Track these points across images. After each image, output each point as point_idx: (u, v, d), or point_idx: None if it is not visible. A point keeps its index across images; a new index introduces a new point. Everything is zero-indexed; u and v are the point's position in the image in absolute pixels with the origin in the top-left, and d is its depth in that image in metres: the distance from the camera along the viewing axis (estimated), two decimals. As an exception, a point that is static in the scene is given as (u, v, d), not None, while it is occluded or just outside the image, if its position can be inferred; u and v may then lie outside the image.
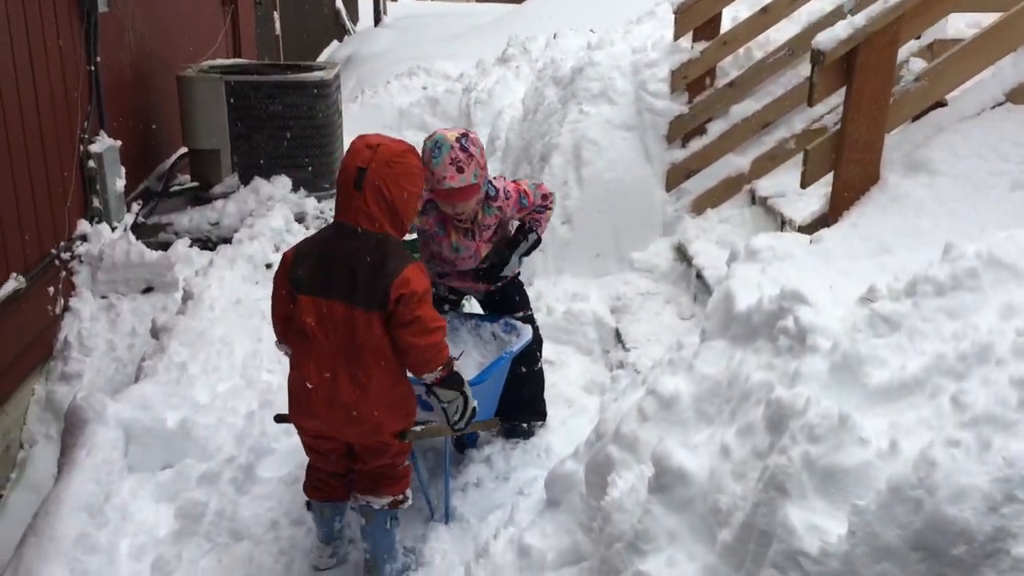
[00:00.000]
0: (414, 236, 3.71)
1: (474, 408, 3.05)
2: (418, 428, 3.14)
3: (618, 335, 4.87)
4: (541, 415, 4.13)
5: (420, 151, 3.13)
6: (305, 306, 2.87)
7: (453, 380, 2.98)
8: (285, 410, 3.11)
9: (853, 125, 3.32)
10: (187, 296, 5.07)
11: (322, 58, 15.24)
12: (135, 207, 6.80)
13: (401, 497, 3.14)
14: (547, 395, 4.51)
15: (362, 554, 3.26)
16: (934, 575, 1.95)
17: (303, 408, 2.96)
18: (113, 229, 6.16)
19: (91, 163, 5.98)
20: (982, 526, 1.87)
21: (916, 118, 3.62)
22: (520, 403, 4.00)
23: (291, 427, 3.31)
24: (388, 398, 2.91)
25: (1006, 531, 1.85)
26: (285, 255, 2.98)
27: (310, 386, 2.89)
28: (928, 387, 2.26)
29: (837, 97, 3.51)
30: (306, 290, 2.88)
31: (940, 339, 2.37)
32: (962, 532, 1.89)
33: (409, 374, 3.01)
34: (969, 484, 1.91)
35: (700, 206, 5.45)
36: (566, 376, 4.70)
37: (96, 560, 3.07)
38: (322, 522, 3.23)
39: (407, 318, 2.80)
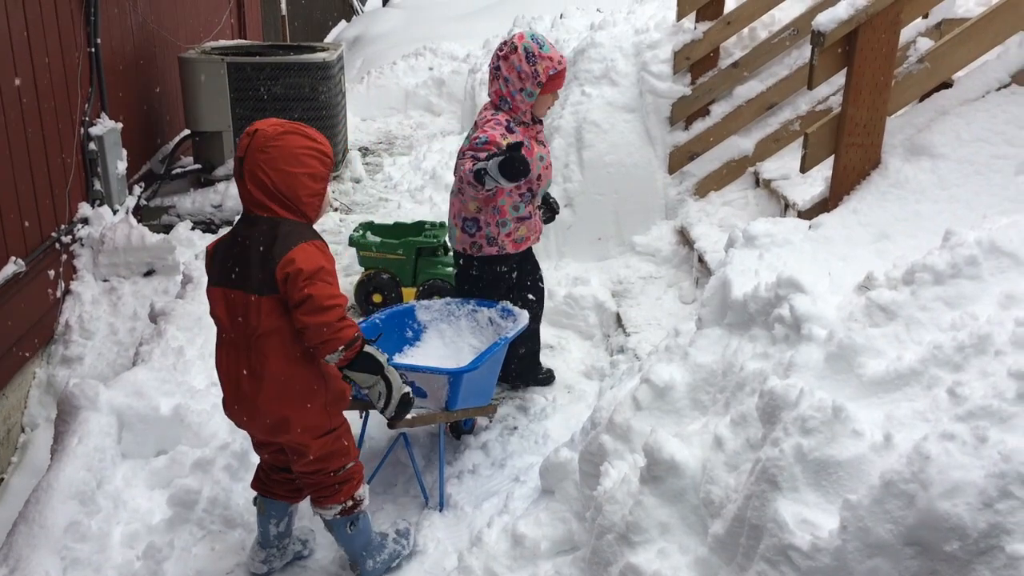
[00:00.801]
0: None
1: (406, 394, 2.86)
2: (409, 417, 3.10)
3: (619, 319, 4.83)
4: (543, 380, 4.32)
5: (522, 47, 3.74)
6: (213, 297, 2.80)
7: (364, 362, 2.77)
8: None
9: (854, 108, 3.25)
10: (186, 280, 5.05)
11: (329, 39, 15.17)
12: (137, 190, 6.78)
13: (351, 503, 2.97)
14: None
15: (325, 561, 3.20)
16: (927, 571, 1.91)
17: (225, 403, 2.90)
18: (115, 212, 6.14)
19: (92, 146, 5.96)
20: (976, 522, 1.83)
21: (920, 100, 3.55)
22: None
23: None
24: (288, 390, 2.75)
25: (1001, 527, 1.81)
26: (207, 248, 2.90)
27: (223, 380, 2.84)
28: (925, 378, 2.22)
29: (842, 77, 3.43)
30: (214, 281, 2.80)
31: (938, 329, 2.33)
32: (955, 528, 1.85)
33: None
34: (963, 479, 1.87)
35: (703, 189, 5.39)
36: (566, 361, 4.66)
37: (87, 548, 3.06)
38: (260, 520, 3.10)
39: (297, 297, 2.65)
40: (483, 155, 3.65)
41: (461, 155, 3.82)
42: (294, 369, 2.76)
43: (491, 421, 3.96)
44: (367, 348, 2.78)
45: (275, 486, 3.07)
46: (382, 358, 2.81)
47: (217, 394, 3.93)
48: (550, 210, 4.28)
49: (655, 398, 2.85)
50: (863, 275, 2.62)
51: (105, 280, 5.61)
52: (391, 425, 3.15)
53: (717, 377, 2.79)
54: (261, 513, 3.09)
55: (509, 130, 3.82)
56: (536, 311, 4.28)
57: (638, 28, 5.88)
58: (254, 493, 3.45)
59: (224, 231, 5.90)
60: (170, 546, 3.20)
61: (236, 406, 2.85)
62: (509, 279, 4.14)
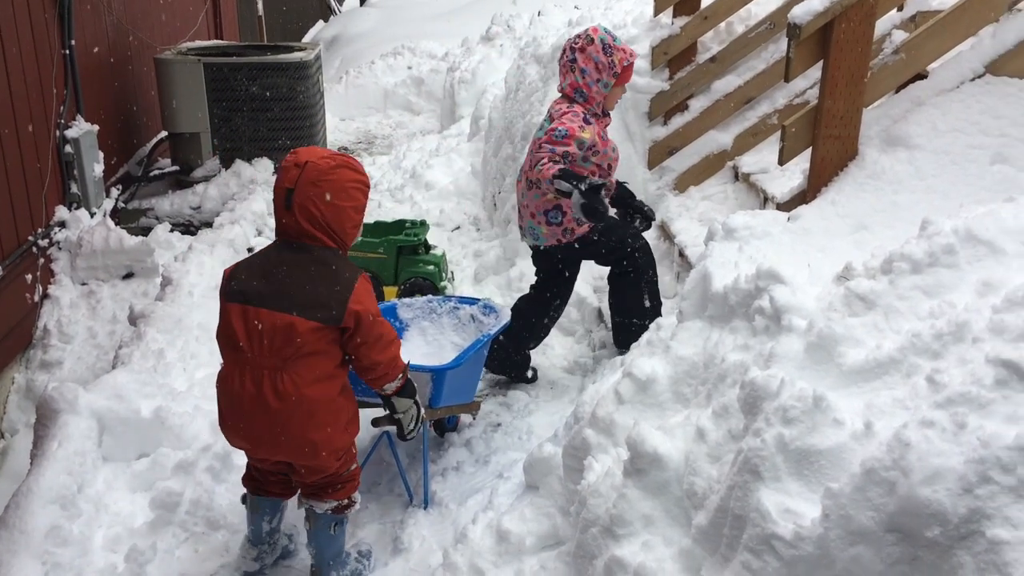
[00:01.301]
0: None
1: (423, 419, 3.08)
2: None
3: (601, 314, 4.83)
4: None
5: (599, 39, 3.80)
6: (233, 314, 2.77)
7: (409, 388, 2.98)
8: None
9: (830, 100, 3.27)
10: (165, 282, 5.02)
11: (307, 39, 15.11)
12: (114, 192, 6.73)
13: (346, 502, 3.01)
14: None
15: (308, 560, 3.17)
16: (908, 558, 1.93)
17: (228, 424, 2.87)
18: (92, 215, 6.10)
19: (68, 148, 5.92)
20: (956, 508, 1.85)
21: (896, 91, 3.57)
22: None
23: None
24: (319, 411, 2.77)
25: (981, 512, 1.83)
26: (224, 271, 2.91)
27: (231, 400, 2.81)
28: (904, 366, 2.23)
29: (818, 71, 3.45)
30: (236, 299, 2.78)
31: (916, 317, 2.34)
32: (936, 514, 1.86)
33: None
34: (943, 465, 1.88)
35: (683, 184, 5.39)
36: (549, 357, 4.66)
37: (69, 552, 3.04)
38: (251, 518, 3.10)
39: (370, 336, 2.76)
40: (561, 150, 3.69)
41: (537, 148, 3.82)
42: (325, 391, 2.78)
43: (475, 418, 3.95)
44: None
45: (270, 485, 3.07)
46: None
47: (199, 395, 3.94)
48: (645, 218, 4.31)
49: (637, 391, 2.85)
50: (842, 265, 2.63)
51: (83, 283, 5.57)
52: (402, 439, 3.17)
53: (699, 369, 2.80)
54: (255, 511, 3.08)
55: (586, 121, 3.90)
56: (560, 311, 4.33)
57: (615, 24, 5.88)
58: (237, 494, 3.45)
59: (204, 232, 5.94)
60: (153, 549, 3.18)
61: (247, 426, 2.81)
62: (610, 243, 4.15)
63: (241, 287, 2.78)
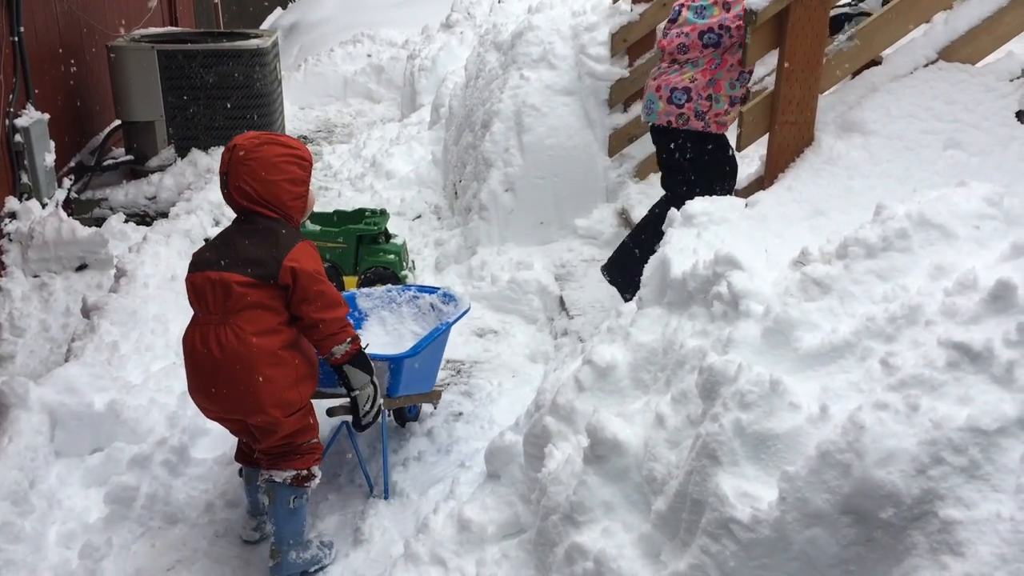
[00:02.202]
0: None
1: (379, 404, 3.09)
2: (347, 403, 3.07)
3: (562, 303, 4.84)
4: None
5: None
6: (189, 282, 2.95)
7: (363, 361, 3.01)
8: None
9: (787, 86, 3.28)
10: (120, 273, 4.93)
11: (265, 26, 14.91)
12: (67, 182, 6.62)
13: (306, 473, 3.02)
14: (492, 365, 4.49)
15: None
16: (863, 539, 1.95)
17: (190, 385, 2.98)
18: (44, 206, 5.99)
19: (18, 138, 5.79)
20: (910, 489, 1.87)
21: (852, 77, 3.60)
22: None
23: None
24: (263, 360, 2.83)
25: (934, 493, 1.85)
26: (193, 255, 3.06)
27: (194, 358, 2.90)
28: (858, 350, 2.25)
29: (775, 58, 3.47)
30: (192, 269, 2.96)
31: (871, 301, 2.36)
32: (890, 495, 1.88)
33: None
34: (897, 447, 1.90)
35: (644, 171, 5.41)
36: (511, 346, 4.66)
37: (21, 549, 2.98)
38: (248, 490, 3.20)
39: (312, 291, 2.87)
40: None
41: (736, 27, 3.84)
42: (266, 342, 2.85)
43: (435, 408, 3.93)
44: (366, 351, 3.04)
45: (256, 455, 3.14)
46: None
47: (154, 388, 3.88)
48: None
49: (597, 379, 2.85)
50: (798, 251, 2.65)
51: (35, 276, 5.46)
52: (359, 429, 3.18)
53: (658, 356, 2.81)
54: (248, 483, 3.19)
55: None
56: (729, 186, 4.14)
57: (575, 11, 5.87)
58: (195, 488, 3.42)
59: (159, 222, 5.85)
60: (108, 544, 3.13)
61: (201, 382, 2.91)
62: (717, 158, 4.10)
63: (197, 259, 2.98)
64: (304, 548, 3.08)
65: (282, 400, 2.89)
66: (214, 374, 2.86)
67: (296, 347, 2.95)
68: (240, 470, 3.23)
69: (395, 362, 3.31)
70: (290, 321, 2.93)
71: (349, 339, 2.95)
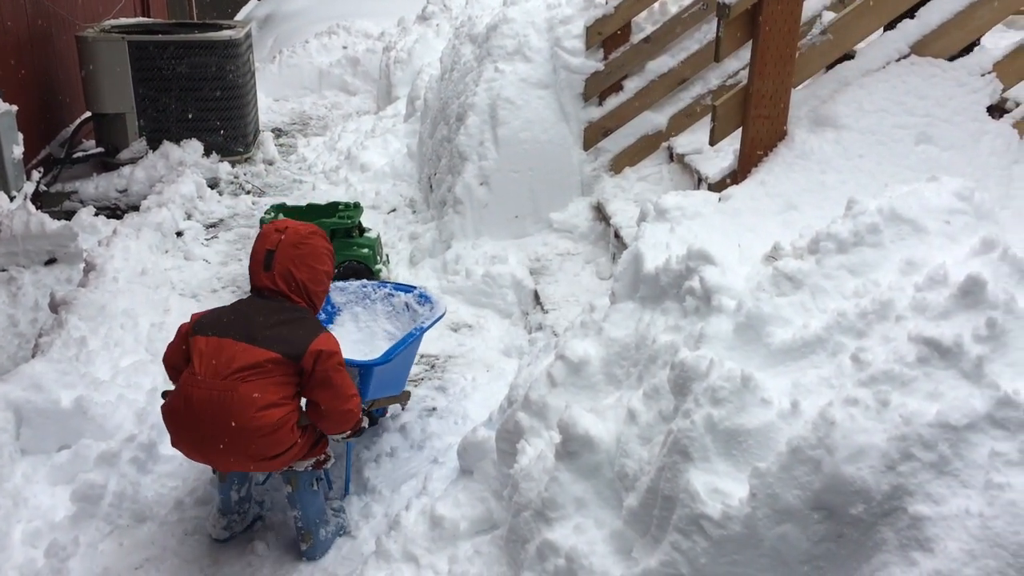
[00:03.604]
0: None
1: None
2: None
3: (537, 297, 4.82)
4: None
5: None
6: (196, 344, 2.89)
7: (358, 430, 3.15)
8: None
9: (760, 80, 3.28)
10: (89, 267, 4.86)
11: (239, 17, 14.77)
12: (36, 175, 6.51)
13: (323, 457, 3.11)
14: (466, 359, 4.47)
15: (290, 524, 3.19)
16: (834, 535, 1.95)
17: (181, 440, 2.93)
18: (12, 199, 5.89)
19: (-16, 130, 5.68)
20: (880, 484, 1.87)
21: (824, 72, 3.60)
22: None
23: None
24: (268, 426, 2.82)
25: (903, 489, 1.85)
26: (192, 315, 3.05)
27: (181, 416, 2.86)
28: (830, 345, 2.25)
29: (749, 51, 3.46)
30: (203, 332, 2.91)
31: (842, 296, 2.36)
32: (860, 491, 1.88)
33: None
34: (867, 443, 1.90)
35: (618, 165, 5.40)
36: (485, 340, 4.64)
37: (-14, 549, 2.93)
38: (221, 488, 3.15)
39: (327, 378, 2.88)
40: None
41: None
42: (273, 412, 2.82)
43: (403, 408, 3.89)
44: (364, 423, 3.14)
45: None
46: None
47: (123, 384, 3.83)
48: None
49: (570, 374, 2.84)
50: (770, 245, 2.64)
51: (3, 270, 5.36)
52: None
53: (631, 351, 2.79)
54: (222, 481, 3.15)
55: None
56: None
57: (550, 3, 5.84)
58: (163, 486, 3.38)
59: (130, 216, 5.78)
60: (75, 543, 3.08)
61: (202, 440, 2.86)
62: None
63: (209, 322, 2.94)
64: (327, 522, 3.16)
65: (284, 454, 2.90)
66: (209, 435, 2.81)
67: (294, 413, 2.91)
68: (213, 468, 3.17)
69: (365, 369, 3.26)
70: (295, 396, 2.92)
71: (349, 431, 3.07)
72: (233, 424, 2.77)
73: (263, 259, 2.99)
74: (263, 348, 2.82)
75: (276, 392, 2.82)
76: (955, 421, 1.85)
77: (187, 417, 2.84)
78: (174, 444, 2.95)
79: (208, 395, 2.79)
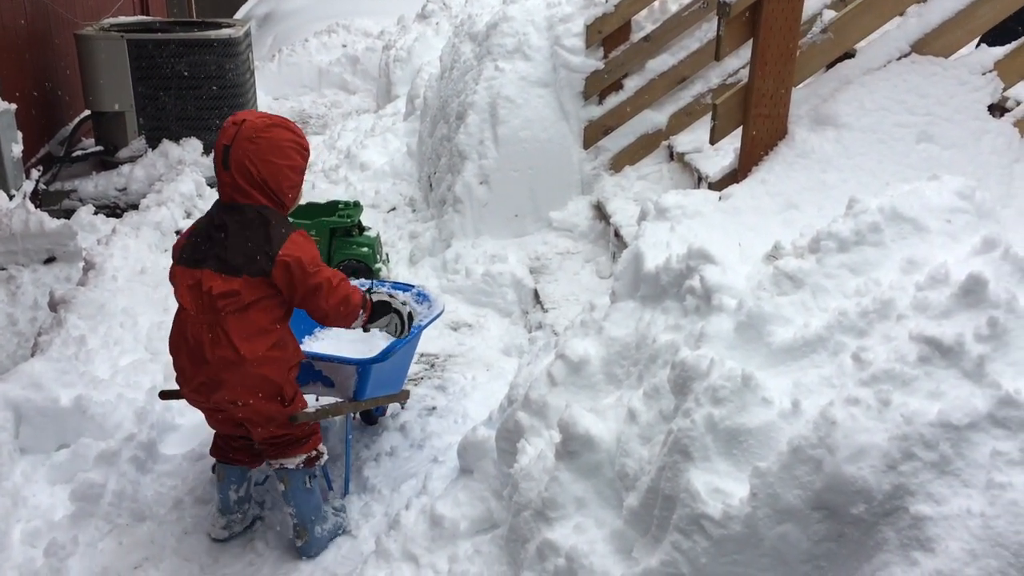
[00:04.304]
0: None
1: (410, 313, 3.35)
2: (311, 410, 3.04)
3: (537, 296, 4.81)
4: None
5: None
6: (178, 276, 2.91)
7: (380, 311, 3.15)
8: None
9: (760, 79, 3.27)
10: (88, 266, 4.86)
11: (239, 15, 14.76)
12: (35, 174, 6.51)
13: (315, 453, 3.10)
14: (466, 359, 4.46)
15: (280, 525, 3.21)
16: (834, 535, 1.94)
17: (179, 376, 2.96)
18: (11, 197, 5.89)
19: (-17, 128, 5.68)
20: (881, 484, 1.86)
21: (825, 70, 3.59)
22: None
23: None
24: (254, 362, 2.84)
25: (904, 489, 1.85)
26: (175, 245, 3.04)
27: (183, 355, 2.90)
28: (831, 344, 2.24)
29: (749, 50, 3.45)
30: (180, 262, 2.92)
31: (843, 295, 2.35)
32: (861, 491, 1.88)
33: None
34: (868, 442, 1.89)
35: (618, 163, 5.39)
36: (485, 339, 4.63)
37: (-15, 548, 2.92)
38: (219, 487, 3.17)
39: (310, 283, 2.85)
40: None
41: None
42: (259, 343, 2.84)
43: (403, 407, 3.88)
44: (373, 297, 3.12)
45: (235, 452, 3.15)
46: (387, 297, 3.26)
47: (122, 383, 3.82)
48: None
49: (570, 373, 2.83)
50: (771, 244, 2.64)
51: (2, 268, 5.37)
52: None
53: (631, 350, 2.79)
54: (220, 480, 3.16)
55: None
56: None
57: (550, 2, 5.83)
58: (163, 485, 3.37)
59: (129, 214, 5.78)
60: (74, 542, 3.07)
61: (195, 378, 2.89)
62: None
63: (187, 252, 2.91)
64: (325, 520, 3.15)
65: (275, 394, 2.92)
66: (205, 372, 2.85)
67: (284, 341, 2.95)
68: (213, 466, 3.20)
69: (363, 367, 3.26)
70: (284, 316, 2.93)
71: (360, 311, 3.02)
72: (227, 355, 2.79)
73: (221, 155, 2.83)
74: (236, 276, 2.79)
75: (261, 319, 2.84)
76: (956, 420, 1.84)
77: (185, 354, 2.87)
78: (178, 383, 2.98)
79: (198, 330, 2.82)
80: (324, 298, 2.89)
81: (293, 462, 3.05)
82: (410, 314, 3.40)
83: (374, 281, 3.99)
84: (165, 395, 3.22)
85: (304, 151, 2.96)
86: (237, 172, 2.82)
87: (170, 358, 4.04)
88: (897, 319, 2.16)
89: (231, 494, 3.16)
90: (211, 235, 2.88)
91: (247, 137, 2.80)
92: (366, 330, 3.15)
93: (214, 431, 3.17)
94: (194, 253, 2.87)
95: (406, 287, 3.90)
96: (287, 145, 2.88)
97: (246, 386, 2.85)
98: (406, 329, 3.28)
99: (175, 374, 2.97)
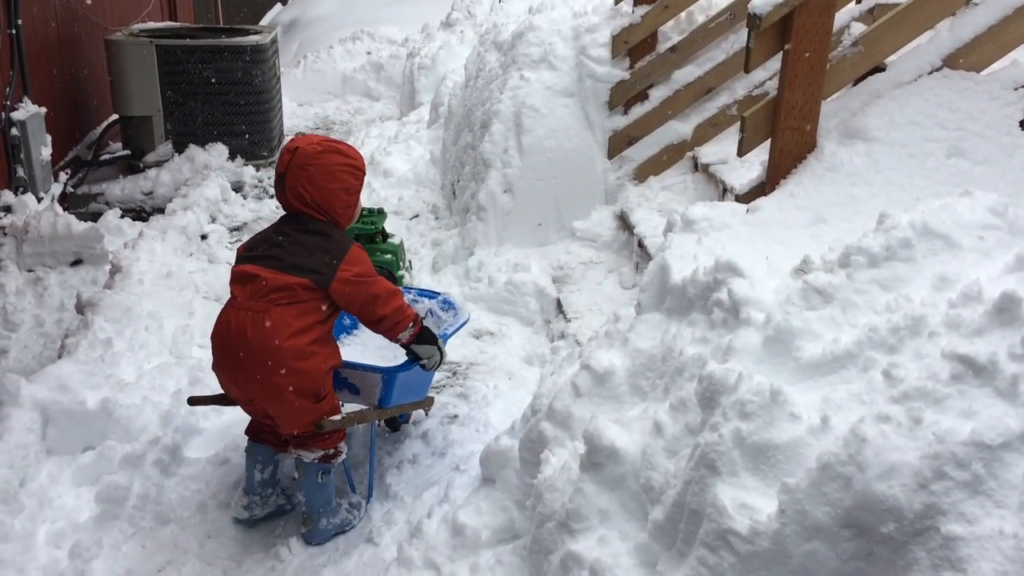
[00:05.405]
0: None
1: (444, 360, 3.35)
2: (337, 417, 3.05)
3: (559, 305, 4.81)
4: None
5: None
6: (235, 274, 3.03)
7: (426, 335, 3.18)
8: (216, 388, 3.12)
9: (790, 92, 3.26)
10: (115, 269, 4.90)
11: (264, 22, 14.87)
12: (63, 177, 6.57)
13: (332, 451, 3.15)
14: (488, 367, 4.46)
15: (299, 507, 3.25)
16: (863, 553, 1.92)
17: (217, 363, 3.05)
18: (39, 200, 5.95)
19: (14, 131, 5.76)
20: (912, 503, 1.84)
21: (855, 84, 3.57)
22: None
23: (220, 406, 3.44)
24: (292, 356, 2.91)
25: (936, 508, 1.83)
26: (239, 248, 3.17)
27: (220, 341, 2.99)
28: (860, 360, 2.22)
29: (777, 62, 3.44)
30: (239, 262, 3.05)
31: (873, 311, 2.33)
32: (891, 509, 1.86)
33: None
34: (899, 460, 1.87)
35: (643, 174, 5.38)
36: (507, 348, 4.63)
37: (11, 548, 2.94)
38: (247, 465, 3.25)
39: (369, 293, 3.00)
40: None
41: None
42: (301, 339, 2.93)
43: (427, 414, 3.89)
44: (425, 322, 3.20)
45: (265, 433, 3.23)
46: (436, 330, 3.28)
47: (148, 386, 3.85)
48: None
49: (595, 384, 2.82)
50: (800, 258, 2.62)
51: (30, 270, 5.41)
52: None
53: (656, 362, 2.78)
54: (249, 456, 3.25)
55: None
56: None
57: (576, 11, 5.84)
58: (187, 488, 3.40)
59: (155, 218, 5.82)
60: (98, 544, 3.09)
61: (233, 368, 2.99)
62: None
63: (247, 252, 3.06)
64: (334, 513, 3.21)
65: (310, 391, 2.98)
66: (243, 360, 2.93)
67: (325, 341, 3.04)
68: (247, 446, 3.27)
69: (388, 375, 3.27)
70: (328, 318, 3.03)
71: (411, 324, 3.10)
72: (269, 344, 2.87)
73: (278, 182, 3.04)
74: (293, 275, 2.92)
75: (307, 317, 2.94)
76: (989, 440, 1.82)
77: (226, 340, 2.96)
78: (214, 369, 3.06)
79: (244, 316, 2.91)
80: (382, 306, 3.02)
81: (310, 456, 3.11)
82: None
83: (400, 288, 3.99)
84: (194, 401, 3.27)
85: (358, 171, 3.10)
86: (293, 197, 3.01)
87: (194, 361, 4.13)
88: (929, 336, 2.14)
89: (256, 473, 3.22)
90: (274, 240, 3.03)
91: (299, 165, 2.97)
92: (409, 353, 3.20)
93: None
94: (255, 251, 3.03)
95: (432, 294, 3.91)
96: (338, 169, 3.02)
97: (281, 378, 2.90)
98: (437, 367, 3.29)
99: (212, 360, 3.06)
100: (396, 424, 3.79)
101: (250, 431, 3.27)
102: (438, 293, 3.90)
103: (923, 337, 2.16)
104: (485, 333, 4.78)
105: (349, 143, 8.20)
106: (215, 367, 3.06)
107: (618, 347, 2.91)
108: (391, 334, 3.11)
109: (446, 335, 3.54)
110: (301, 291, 2.92)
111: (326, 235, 3.01)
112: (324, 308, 3.00)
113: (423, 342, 3.17)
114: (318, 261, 2.95)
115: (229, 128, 7.18)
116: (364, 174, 3.15)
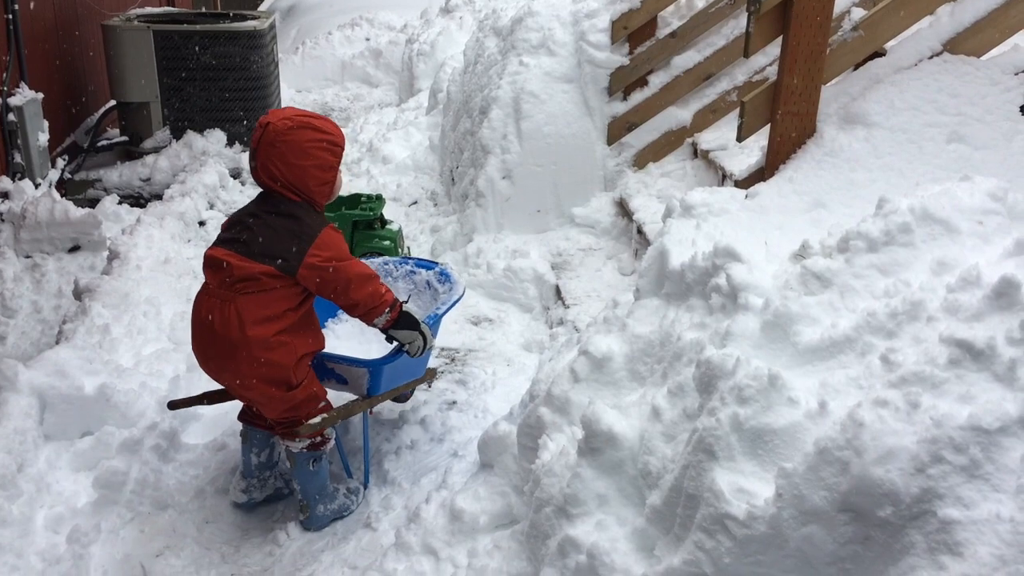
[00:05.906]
0: None
1: (430, 345, 3.25)
2: (316, 420, 3.03)
3: (558, 292, 4.80)
4: None
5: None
6: (206, 258, 2.97)
7: (406, 321, 3.09)
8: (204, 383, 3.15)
9: (789, 77, 3.24)
10: (112, 255, 4.89)
11: (263, 8, 14.80)
12: (60, 163, 6.55)
13: (320, 439, 3.13)
14: (486, 353, 4.46)
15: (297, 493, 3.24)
16: (860, 538, 1.92)
17: (195, 345, 3.03)
18: (37, 186, 5.93)
19: (11, 117, 5.73)
20: (909, 487, 1.84)
21: (855, 69, 3.56)
22: None
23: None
24: (259, 346, 2.87)
25: (933, 492, 1.82)
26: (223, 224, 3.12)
27: (201, 327, 2.95)
28: (859, 345, 2.22)
29: (777, 47, 3.42)
30: (215, 244, 2.98)
31: (872, 296, 2.33)
32: (888, 494, 1.86)
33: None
34: (896, 445, 1.87)
35: (642, 160, 5.37)
36: (506, 334, 4.63)
37: (9, 533, 2.94)
38: (242, 449, 3.24)
39: (340, 280, 2.90)
40: None
41: None
42: (268, 328, 2.88)
43: (429, 386, 3.87)
44: (405, 307, 3.09)
45: (257, 417, 3.20)
46: (418, 315, 3.15)
47: (145, 372, 3.85)
48: None
49: (593, 370, 2.82)
50: (799, 243, 2.62)
51: (27, 256, 5.41)
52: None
53: (655, 348, 2.77)
54: (244, 441, 3.22)
55: None
56: None
57: (576, -4, 5.81)
58: (184, 474, 3.40)
59: (153, 205, 5.81)
60: (96, 529, 3.10)
61: (207, 351, 2.97)
62: None
63: (221, 235, 3.00)
64: (331, 499, 3.20)
65: (280, 380, 2.94)
66: (215, 346, 2.91)
67: (296, 328, 2.97)
68: (241, 431, 3.25)
69: (374, 368, 3.20)
70: (301, 304, 2.96)
71: (388, 309, 3.01)
72: (234, 335, 2.83)
73: (250, 158, 2.93)
74: (259, 263, 2.84)
75: (276, 305, 2.88)
76: (987, 424, 1.82)
77: (199, 325, 2.94)
78: (193, 351, 3.04)
79: (213, 304, 2.88)
80: (355, 290, 2.93)
81: (297, 446, 3.09)
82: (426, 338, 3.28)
83: (397, 258, 3.96)
84: (174, 405, 3.27)
85: (335, 146, 2.95)
86: (264, 176, 2.90)
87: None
88: (927, 321, 2.14)
89: (252, 457, 3.21)
90: (245, 223, 2.94)
91: (269, 142, 2.84)
92: (389, 339, 3.14)
93: None
94: (229, 232, 2.96)
95: (429, 265, 3.87)
96: (310, 146, 2.87)
97: (251, 367, 2.88)
98: (421, 353, 3.20)
99: (192, 345, 3.04)
100: (403, 396, 3.77)
101: (242, 415, 3.26)
102: (435, 263, 3.88)
103: (921, 322, 2.15)
104: (484, 319, 4.78)
105: (347, 129, 8.21)
106: (193, 349, 3.03)
107: (616, 333, 2.90)
108: (367, 319, 3.03)
109: (437, 315, 3.48)
110: (267, 279, 2.85)
111: (296, 218, 2.89)
112: (296, 293, 2.93)
113: (404, 327, 3.08)
114: (286, 246, 2.85)
115: (227, 114, 7.16)
116: (342, 148, 2.99)
